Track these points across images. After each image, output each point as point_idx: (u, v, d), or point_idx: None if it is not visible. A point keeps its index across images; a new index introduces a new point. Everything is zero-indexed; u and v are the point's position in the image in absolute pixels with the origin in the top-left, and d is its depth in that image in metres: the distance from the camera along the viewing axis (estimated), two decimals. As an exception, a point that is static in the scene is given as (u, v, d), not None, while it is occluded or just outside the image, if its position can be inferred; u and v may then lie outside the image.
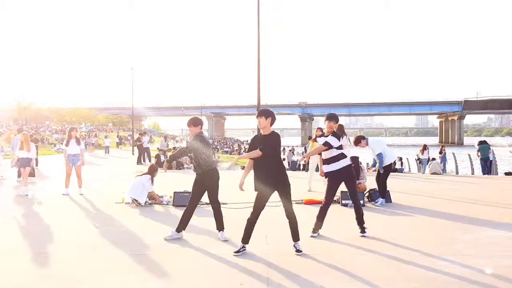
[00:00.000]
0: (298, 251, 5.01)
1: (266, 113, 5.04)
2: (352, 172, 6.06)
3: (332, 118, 6.07)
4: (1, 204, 8.74)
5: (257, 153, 4.91)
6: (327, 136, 6.01)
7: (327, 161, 6.01)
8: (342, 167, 5.94)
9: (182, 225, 5.77)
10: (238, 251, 4.97)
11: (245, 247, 5.01)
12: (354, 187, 6.04)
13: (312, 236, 5.79)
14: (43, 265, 4.74)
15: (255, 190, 5.00)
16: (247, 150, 5.24)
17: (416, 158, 21.69)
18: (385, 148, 8.48)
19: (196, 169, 5.73)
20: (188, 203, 5.83)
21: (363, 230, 5.90)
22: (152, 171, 8.77)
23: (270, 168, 4.95)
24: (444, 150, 20.18)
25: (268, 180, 4.93)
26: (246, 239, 5.03)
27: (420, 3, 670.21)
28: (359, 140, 8.57)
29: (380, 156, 8.24)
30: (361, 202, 8.09)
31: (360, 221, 5.95)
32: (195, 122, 5.74)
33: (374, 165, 8.52)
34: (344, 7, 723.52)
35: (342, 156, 5.98)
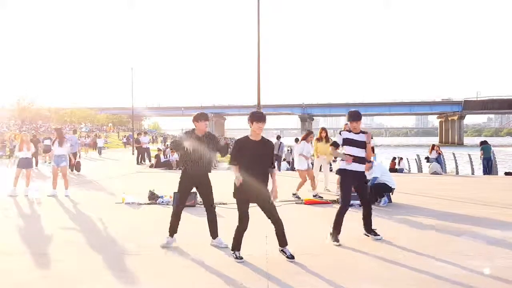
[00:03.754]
0: (289, 257, 4.77)
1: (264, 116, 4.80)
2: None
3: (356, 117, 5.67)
4: (0, 205, 8.72)
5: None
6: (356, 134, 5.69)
7: (358, 160, 5.63)
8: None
9: (174, 230, 5.50)
10: (240, 258, 4.78)
11: (240, 255, 4.82)
12: (367, 190, 5.86)
13: (337, 245, 5.45)
14: (42, 265, 4.74)
15: (235, 197, 4.79)
16: (231, 154, 4.84)
17: (425, 157, 21.49)
18: (388, 174, 8.61)
19: (205, 169, 5.40)
20: (178, 206, 5.50)
21: (376, 233, 5.72)
22: (307, 136, 9.28)
23: (264, 174, 4.78)
24: (440, 150, 20.04)
25: (259, 187, 4.69)
26: (237, 246, 4.83)
27: (420, 3, 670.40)
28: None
29: (374, 179, 8.31)
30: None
31: (370, 225, 5.75)
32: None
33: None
34: (344, 7, 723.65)
35: None
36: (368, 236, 5.77)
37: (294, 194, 9.15)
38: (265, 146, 4.82)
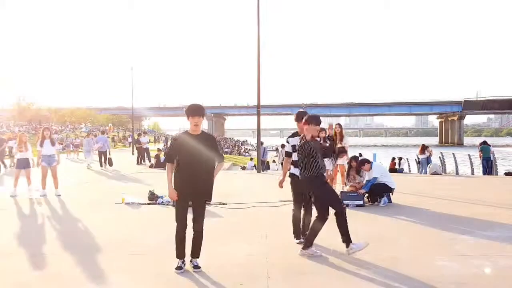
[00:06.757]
0: (195, 267, 4.45)
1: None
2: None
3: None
4: (0, 205, 8.72)
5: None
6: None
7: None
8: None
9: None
10: (179, 267, 4.45)
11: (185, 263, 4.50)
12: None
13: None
14: (42, 265, 4.73)
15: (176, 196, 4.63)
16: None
17: (416, 159, 21.46)
18: (387, 175, 8.57)
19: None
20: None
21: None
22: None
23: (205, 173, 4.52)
24: (431, 151, 20.00)
25: (198, 187, 4.51)
26: (181, 254, 4.48)
27: (420, 3, 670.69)
28: (363, 163, 8.55)
29: (373, 179, 8.24)
30: (361, 202, 8.10)
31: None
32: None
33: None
34: (344, 7, 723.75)
35: None
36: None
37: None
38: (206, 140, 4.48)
